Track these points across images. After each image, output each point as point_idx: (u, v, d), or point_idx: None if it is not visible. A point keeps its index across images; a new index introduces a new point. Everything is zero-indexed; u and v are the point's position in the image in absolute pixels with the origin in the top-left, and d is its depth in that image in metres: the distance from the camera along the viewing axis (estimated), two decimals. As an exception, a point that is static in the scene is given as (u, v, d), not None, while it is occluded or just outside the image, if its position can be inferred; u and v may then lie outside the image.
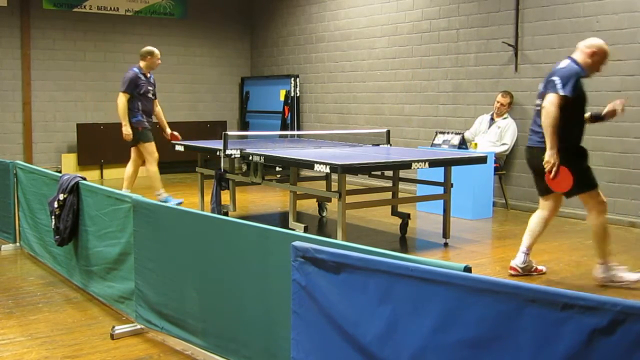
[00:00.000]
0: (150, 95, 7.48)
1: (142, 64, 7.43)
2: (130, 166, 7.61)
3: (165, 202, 7.34)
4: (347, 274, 2.23)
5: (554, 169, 4.35)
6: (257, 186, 6.38)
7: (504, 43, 7.78)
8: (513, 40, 7.72)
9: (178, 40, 11.48)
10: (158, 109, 7.76)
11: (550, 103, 4.26)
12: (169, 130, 7.64)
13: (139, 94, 7.33)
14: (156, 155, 7.45)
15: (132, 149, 7.55)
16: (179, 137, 7.56)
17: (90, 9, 10.56)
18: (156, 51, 7.47)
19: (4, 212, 5.62)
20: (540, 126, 4.44)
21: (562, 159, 4.35)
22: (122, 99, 7.26)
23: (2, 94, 10.09)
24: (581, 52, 4.48)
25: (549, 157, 4.35)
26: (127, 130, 7.26)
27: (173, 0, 11.37)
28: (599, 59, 4.45)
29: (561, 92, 4.23)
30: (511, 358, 1.82)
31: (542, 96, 4.45)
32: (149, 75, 7.50)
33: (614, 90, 6.87)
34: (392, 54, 9.38)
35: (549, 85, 4.35)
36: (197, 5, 11.64)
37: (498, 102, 7.63)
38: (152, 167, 7.47)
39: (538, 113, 4.50)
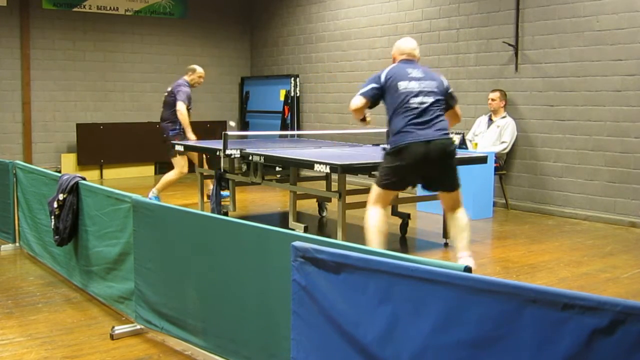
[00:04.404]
0: (191, 110, 7.65)
1: (187, 77, 7.66)
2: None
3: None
4: (347, 274, 2.22)
5: None
6: (257, 186, 6.37)
7: (504, 43, 7.78)
8: (513, 40, 7.72)
9: (178, 40, 11.48)
10: None
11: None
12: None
13: (187, 108, 7.52)
14: (185, 170, 7.50)
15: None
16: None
17: (90, 8, 10.56)
18: (199, 69, 7.71)
19: (3, 212, 5.61)
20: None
21: None
22: (184, 110, 7.39)
23: (1, 93, 10.08)
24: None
25: None
26: (192, 136, 7.43)
27: (173, 0, 11.37)
28: None
29: None
30: (511, 358, 1.81)
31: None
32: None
33: (614, 90, 6.87)
34: (392, 54, 9.37)
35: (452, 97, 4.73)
36: (197, 5, 11.63)
37: (489, 99, 7.65)
38: (173, 176, 7.52)
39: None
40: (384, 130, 4.78)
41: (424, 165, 4.45)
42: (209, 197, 7.18)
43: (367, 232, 4.47)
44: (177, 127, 7.48)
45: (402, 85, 4.48)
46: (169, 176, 7.53)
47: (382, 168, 4.57)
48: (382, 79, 4.54)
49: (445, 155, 4.53)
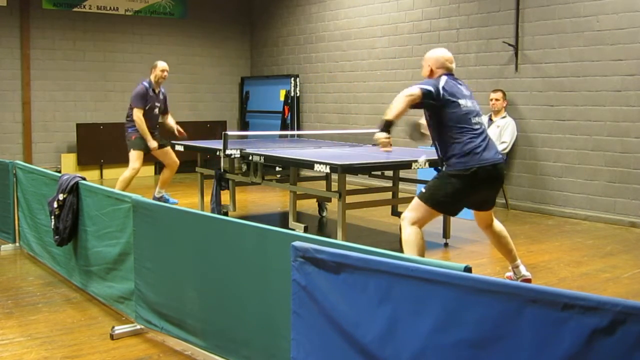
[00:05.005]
0: (156, 111, 7.43)
1: (151, 77, 7.40)
2: (164, 171, 7.69)
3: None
4: (347, 274, 2.22)
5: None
6: (257, 186, 6.37)
7: (504, 43, 7.78)
8: (513, 40, 7.72)
9: (178, 40, 11.48)
10: (170, 120, 7.69)
11: None
12: (175, 127, 7.62)
13: (144, 109, 7.26)
14: (136, 165, 7.27)
15: (160, 154, 7.54)
16: (184, 133, 7.56)
17: (90, 8, 10.56)
18: (159, 64, 7.40)
19: (3, 212, 5.61)
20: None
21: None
22: (138, 115, 7.18)
23: (1, 93, 10.08)
24: None
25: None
26: (152, 144, 7.27)
27: (173, 0, 11.37)
28: None
29: None
30: (511, 358, 1.81)
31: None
32: (158, 90, 7.43)
33: (614, 90, 6.87)
34: (392, 54, 9.37)
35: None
36: (197, 5, 11.63)
37: (492, 99, 7.63)
38: (127, 174, 7.29)
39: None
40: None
41: (488, 187, 4.28)
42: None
43: (409, 251, 4.20)
44: (134, 125, 7.27)
45: (462, 102, 4.19)
46: (124, 175, 7.34)
47: (440, 187, 4.19)
48: (441, 91, 4.12)
49: (503, 177, 4.41)
